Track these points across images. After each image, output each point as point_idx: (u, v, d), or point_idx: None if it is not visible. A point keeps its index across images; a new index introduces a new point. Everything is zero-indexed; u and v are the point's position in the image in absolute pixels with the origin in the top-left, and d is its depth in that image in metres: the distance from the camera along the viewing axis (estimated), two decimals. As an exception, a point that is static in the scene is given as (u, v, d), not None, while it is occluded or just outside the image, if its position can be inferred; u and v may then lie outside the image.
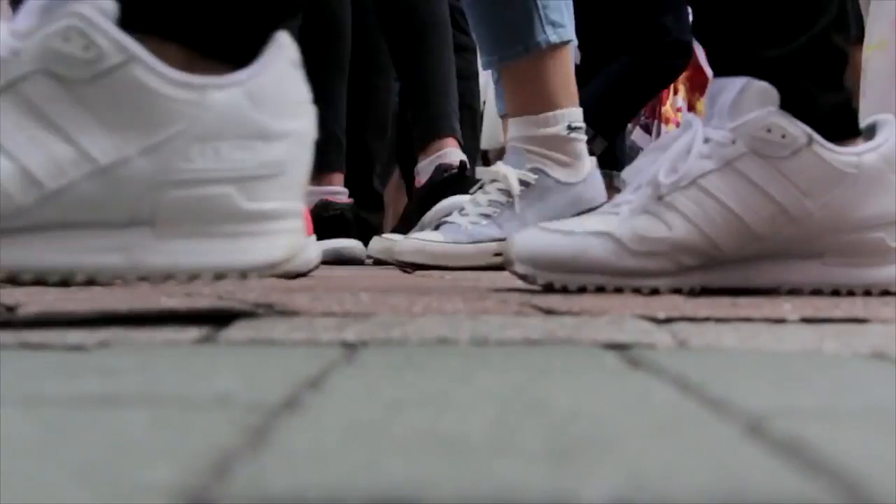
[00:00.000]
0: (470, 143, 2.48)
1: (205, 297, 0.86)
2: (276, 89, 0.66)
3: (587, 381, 0.45)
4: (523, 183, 1.52)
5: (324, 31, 2.19)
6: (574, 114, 1.56)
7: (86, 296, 0.87)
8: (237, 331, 0.61)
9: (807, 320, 0.69)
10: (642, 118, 4.73)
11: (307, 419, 0.34)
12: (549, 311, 0.74)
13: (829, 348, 0.56)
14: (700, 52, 4.58)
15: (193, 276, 0.64)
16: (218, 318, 0.66)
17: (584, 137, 1.58)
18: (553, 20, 1.58)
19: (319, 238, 2.07)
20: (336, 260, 2.05)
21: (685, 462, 0.29)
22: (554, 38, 1.57)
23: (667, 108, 4.53)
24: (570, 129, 1.54)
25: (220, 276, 0.65)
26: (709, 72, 4.11)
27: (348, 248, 2.07)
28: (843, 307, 0.81)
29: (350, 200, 2.13)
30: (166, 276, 0.64)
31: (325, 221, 2.06)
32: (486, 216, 1.52)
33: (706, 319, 0.69)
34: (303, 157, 0.68)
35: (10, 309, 0.74)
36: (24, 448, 0.29)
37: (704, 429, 0.34)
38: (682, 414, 0.37)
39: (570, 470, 0.27)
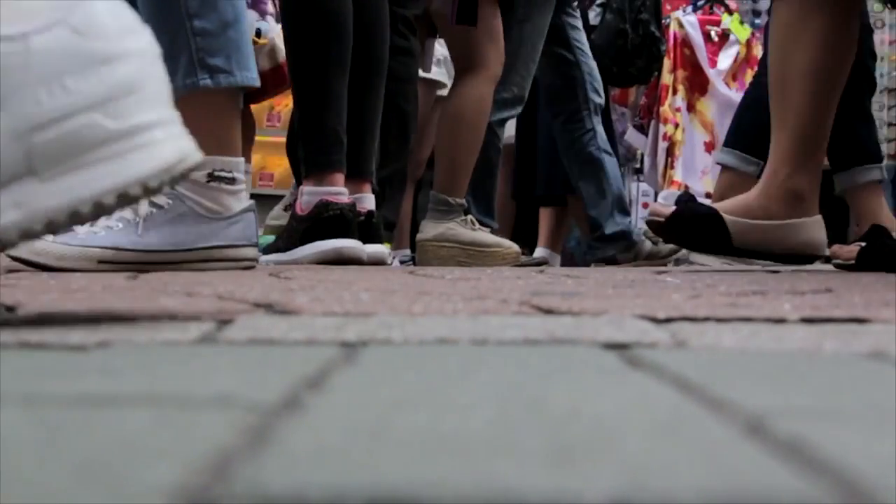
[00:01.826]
0: (395, 143, 2.57)
1: (204, 298, 0.86)
2: (98, 17, 0.66)
3: (587, 381, 0.45)
4: (155, 205, 1.51)
5: (325, 31, 2.20)
6: (220, 162, 1.51)
7: (85, 296, 0.87)
8: (237, 331, 0.61)
9: (807, 320, 0.69)
10: (637, 118, 4.73)
11: (307, 419, 0.34)
12: (548, 311, 0.74)
13: (829, 348, 0.56)
14: (700, 52, 4.59)
15: (98, 205, 0.64)
16: (218, 318, 0.66)
17: (234, 187, 1.53)
18: (211, 65, 1.53)
19: (319, 238, 2.07)
20: (336, 260, 2.05)
21: (685, 462, 0.29)
22: (206, 83, 1.51)
23: (665, 108, 4.53)
24: (211, 177, 1.52)
25: (123, 195, 0.64)
26: (709, 72, 4.11)
27: (348, 248, 2.08)
28: (843, 307, 0.81)
29: (350, 201, 2.14)
30: (72, 215, 0.64)
31: (325, 221, 2.07)
32: (109, 227, 1.52)
33: (706, 319, 0.69)
34: (153, 70, 0.68)
35: (10, 309, 0.74)
36: (24, 448, 0.29)
37: (704, 429, 0.34)
38: (682, 414, 0.37)
39: (570, 470, 0.27)
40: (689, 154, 4.43)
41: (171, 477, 0.26)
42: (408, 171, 2.97)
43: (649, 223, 1.86)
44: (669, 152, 4.48)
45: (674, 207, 1.82)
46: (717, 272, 1.80)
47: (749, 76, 3.95)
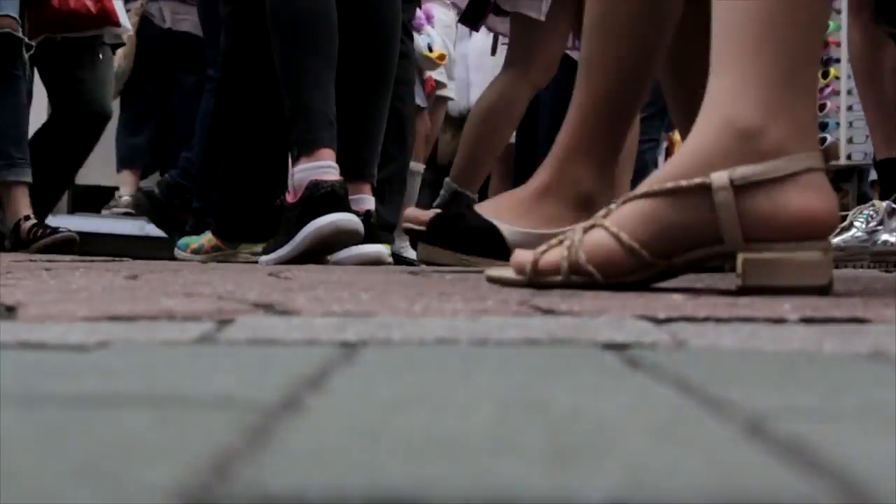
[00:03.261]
0: (394, 145, 2.60)
1: (204, 298, 0.86)
2: None
3: (587, 381, 0.45)
4: None
5: (310, 28, 2.23)
6: None
7: (85, 296, 0.87)
8: (237, 331, 0.61)
9: (807, 320, 0.69)
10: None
11: (307, 419, 0.34)
12: (548, 311, 0.74)
13: (829, 348, 0.55)
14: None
15: None
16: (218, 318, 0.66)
17: None
18: None
19: (315, 216, 2.07)
20: (334, 235, 2.06)
21: (685, 462, 0.29)
22: None
23: (666, 108, 4.53)
24: None
25: None
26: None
27: (344, 220, 2.08)
28: (843, 307, 0.81)
29: (340, 178, 2.15)
30: None
31: (317, 200, 2.08)
32: None
33: (706, 319, 0.69)
34: None
35: (11, 309, 0.74)
36: (24, 448, 0.29)
37: (704, 429, 0.34)
38: (682, 414, 0.37)
39: (570, 470, 0.27)
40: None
41: (171, 477, 0.26)
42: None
43: (407, 231, 1.76)
44: (669, 152, 4.48)
45: (431, 213, 1.73)
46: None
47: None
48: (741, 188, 0.96)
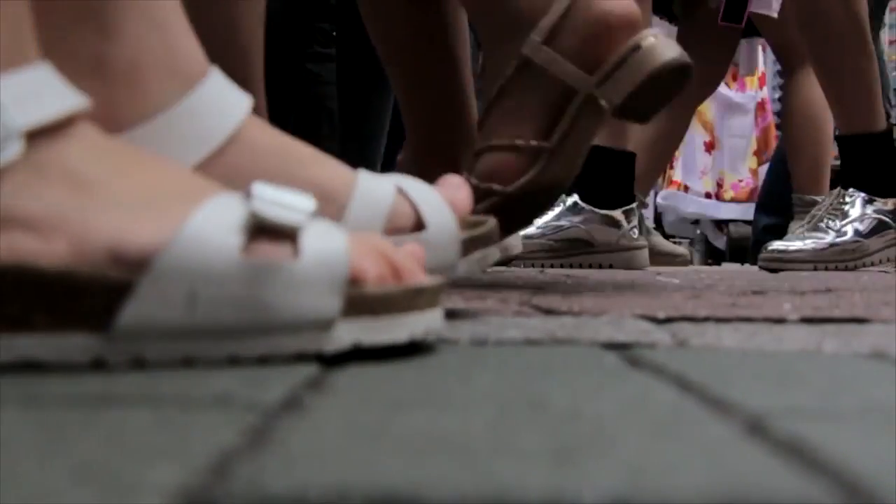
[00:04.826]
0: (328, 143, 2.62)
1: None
2: None
3: (587, 381, 0.45)
4: None
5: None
6: None
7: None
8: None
9: (807, 320, 0.69)
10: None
11: (307, 419, 0.34)
12: (548, 311, 0.74)
13: (829, 348, 0.56)
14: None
15: None
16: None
17: None
18: None
19: None
20: None
21: (685, 462, 0.29)
22: None
23: (666, 108, 4.53)
24: None
25: None
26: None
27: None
28: (843, 307, 0.81)
29: None
30: None
31: None
32: None
33: (706, 319, 0.69)
34: None
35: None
36: (24, 448, 0.29)
37: (704, 429, 0.34)
38: (682, 414, 0.37)
39: (570, 470, 0.27)
40: (688, 154, 4.42)
41: (171, 477, 0.26)
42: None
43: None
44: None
45: None
46: (717, 272, 1.80)
47: (748, 77, 3.94)
48: (551, 40, 0.96)
